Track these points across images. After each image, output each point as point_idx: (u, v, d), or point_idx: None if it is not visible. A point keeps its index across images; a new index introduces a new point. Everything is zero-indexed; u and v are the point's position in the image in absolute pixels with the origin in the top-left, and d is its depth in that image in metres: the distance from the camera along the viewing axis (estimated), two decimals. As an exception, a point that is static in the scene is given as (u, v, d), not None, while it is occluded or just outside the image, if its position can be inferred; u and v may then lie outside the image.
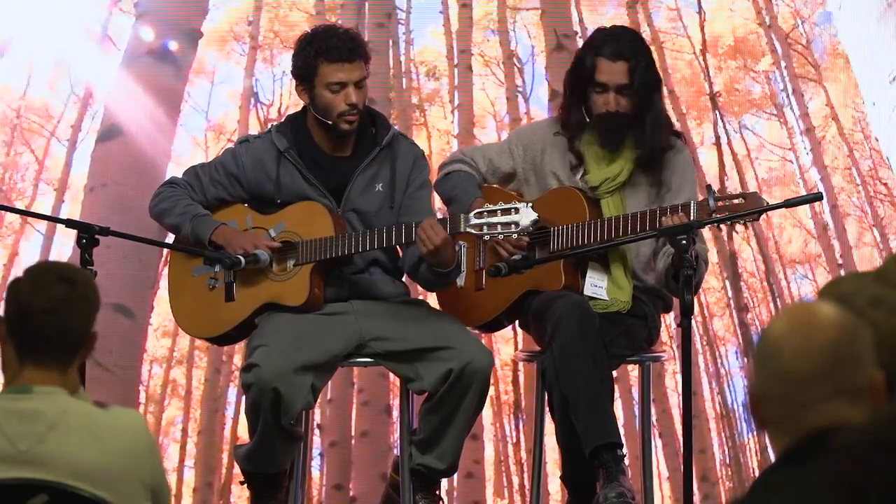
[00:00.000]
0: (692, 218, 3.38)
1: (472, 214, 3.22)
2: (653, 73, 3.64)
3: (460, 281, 3.55)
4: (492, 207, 3.20)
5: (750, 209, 3.30)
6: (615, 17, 8.55)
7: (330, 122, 3.52)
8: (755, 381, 1.76)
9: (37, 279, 2.30)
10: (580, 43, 8.14)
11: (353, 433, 7.67)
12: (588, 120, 3.65)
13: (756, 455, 8.04)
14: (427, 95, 8.71)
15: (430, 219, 3.32)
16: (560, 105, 3.76)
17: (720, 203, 3.33)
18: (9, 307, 2.31)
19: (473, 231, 3.21)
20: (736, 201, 3.33)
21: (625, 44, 3.58)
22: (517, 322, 3.86)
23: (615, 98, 3.58)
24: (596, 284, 3.64)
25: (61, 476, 2.23)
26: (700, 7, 8.55)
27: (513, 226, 3.18)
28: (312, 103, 3.55)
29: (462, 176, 3.75)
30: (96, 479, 2.25)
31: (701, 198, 3.44)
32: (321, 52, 3.49)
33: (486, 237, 3.23)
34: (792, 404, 1.71)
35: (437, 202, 3.89)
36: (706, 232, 3.80)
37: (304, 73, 3.52)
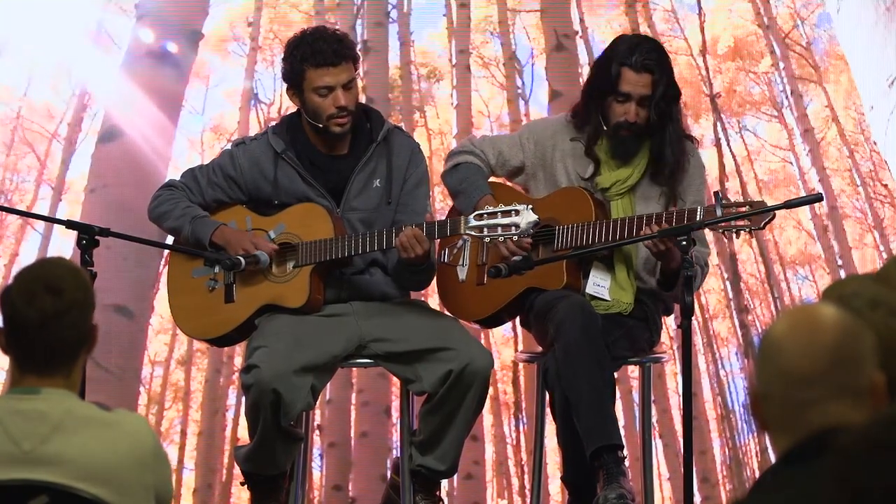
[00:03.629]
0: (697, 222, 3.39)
1: (471, 216, 3.23)
2: (674, 86, 3.64)
3: (462, 275, 3.56)
4: (492, 209, 3.21)
5: (756, 218, 3.30)
6: (614, 17, 8.55)
7: (321, 126, 3.53)
8: (756, 382, 1.76)
9: (24, 291, 2.26)
10: (580, 43, 8.15)
11: (352, 434, 7.66)
12: (605, 128, 3.65)
13: (756, 456, 8.03)
14: (426, 95, 8.71)
15: (413, 229, 3.33)
16: (575, 110, 3.75)
17: (727, 210, 3.33)
18: (3, 318, 2.29)
19: (473, 233, 3.22)
20: (742, 209, 3.33)
21: (651, 56, 3.58)
22: (517, 320, 3.86)
23: (636, 109, 3.59)
24: (599, 284, 3.64)
25: (64, 476, 2.22)
26: (699, 8, 8.55)
27: (513, 227, 3.18)
28: (303, 107, 3.55)
29: (471, 168, 3.74)
30: (99, 479, 2.24)
31: (708, 203, 3.44)
32: (306, 57, 3.49)
33: (487, 239, 3.24)
34: (793, 405, 1.71)
35: (440, 200, 3.90)
36: (709, 235, 3.81)
37: (292, 78, 3.53)
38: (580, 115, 3.71)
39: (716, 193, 3.36)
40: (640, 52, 3.58)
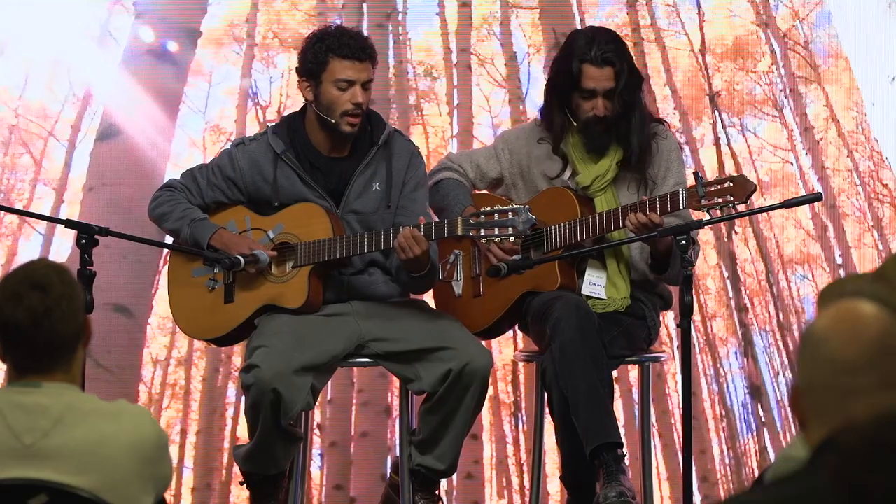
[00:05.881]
0: (682, 206, 3.40)
1: (469, 217, 3.22)
2: (636, 74, 3.66)
3: (457, 289, 3.57)
4: (489, 209, 3.21)
5: (738, 193, 3.32)
6: (614, 15, 8.54)
7: (332, 121, 3.51)
8: (798, 376, 1.76)
9: (10, 293, 2.26)
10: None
11: (352, 433, 7.65)
12: (574, 123, 3.66)
13: (756, 455, 8.03)
14: (425, 95, 8.71)
15: (410, 228, 3.32)
16: (542, 111, 3.77)
17: (709, 189, 3.34)
18: None
19: (471, 234, 3.22)
20: (723, 185, 3.35)
21: (609, 47, 3.59)
22: (517, 325, 3.87)
23: (603, 102, 3.59)
24: (595, 283, 3.65)
25: (65, 472, 2.22)
26: (699, 7, 8.54)
27: (510, 228, 3.18)
28: (316, 100, 3.53)
29: (452, 184, 3.77)
30: (98, 471, 2.24)
31: (689, 184, 3.45)
32: (333, 47, 3.48)
33: (484, 240, 3.23)
34: (837, 393, 1.69)
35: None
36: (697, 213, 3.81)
37: (313, 67, 3.51)
38: (546, 114, 3.72)
39: (695, 173, 3.38)
40: (598, 46, 3.58)
